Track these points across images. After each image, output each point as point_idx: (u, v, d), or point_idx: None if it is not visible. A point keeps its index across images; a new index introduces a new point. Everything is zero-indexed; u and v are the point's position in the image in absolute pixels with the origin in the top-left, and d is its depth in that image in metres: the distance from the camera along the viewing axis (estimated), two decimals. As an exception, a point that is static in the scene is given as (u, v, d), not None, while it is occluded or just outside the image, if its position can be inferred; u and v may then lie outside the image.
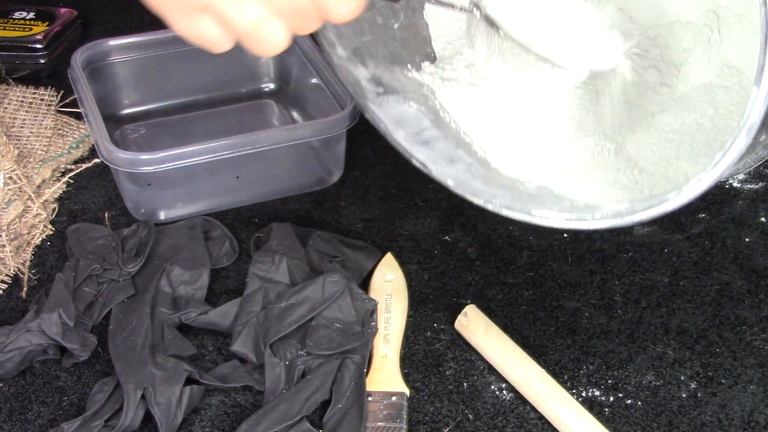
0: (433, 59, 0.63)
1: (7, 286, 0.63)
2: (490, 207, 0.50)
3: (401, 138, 0.54)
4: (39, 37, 0.86)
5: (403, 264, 0.65)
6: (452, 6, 0.56)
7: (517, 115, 0.60)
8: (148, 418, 0.53)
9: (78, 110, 0.75)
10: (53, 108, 0.78)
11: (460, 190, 0.52)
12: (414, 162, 0.53)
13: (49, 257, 0.66)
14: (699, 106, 0.57)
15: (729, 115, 0.55)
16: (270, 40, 0.43)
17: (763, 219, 0.71)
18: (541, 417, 0.54)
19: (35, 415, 0.54)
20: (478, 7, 0.53)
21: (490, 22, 0.53)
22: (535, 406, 0.55)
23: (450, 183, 0.52)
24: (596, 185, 0.57)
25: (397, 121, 0.55)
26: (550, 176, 0.58)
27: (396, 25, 0.62)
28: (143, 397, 0.53)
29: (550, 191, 0.56)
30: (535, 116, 0.60)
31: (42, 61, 0.86)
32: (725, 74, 0.56)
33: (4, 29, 0.87)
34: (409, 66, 0.62)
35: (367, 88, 0.57)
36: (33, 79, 0.84)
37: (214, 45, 0.43)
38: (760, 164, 0.65)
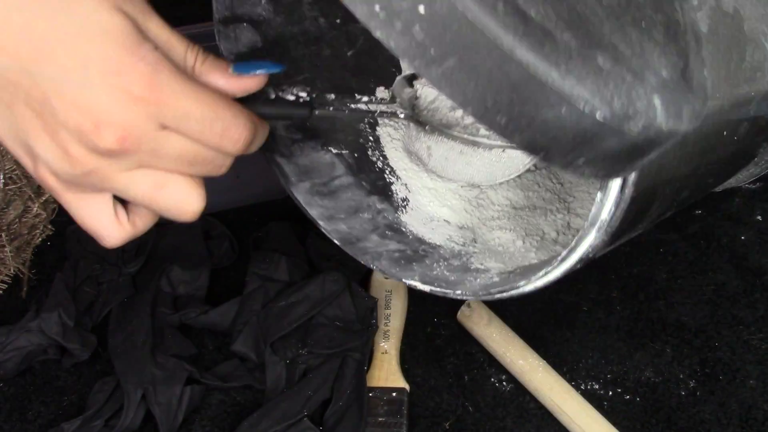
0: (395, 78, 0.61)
1: (7, 286, 0.63)
2: (372, 267, 0.52)
3: (303, 190, 0.54)
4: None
5: (402, 263, 0.65)
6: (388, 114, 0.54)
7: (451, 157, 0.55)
8: (149, 418, 0.53)
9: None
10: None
11: (347, 249, 0.53)
12: (308, 216, 0.54)
13: (49, 257, 0.66)
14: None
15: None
16: (176, 204, 0.37)
17: (759, 217, 0.71)
18: (541, 407, 0.55)
19: (35, 415, 0.54)
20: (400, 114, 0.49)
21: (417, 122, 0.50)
22: (536, 396, 0.55)
23: (336, 241, 0.53)
24: (500, 233, 0.57)
25: (305, 172, 0.55)
26: (463, 219, 0.59)
27: (350, 53, 0.58)
28: (143, 396, 0.53)
29: (448, 237, 0.56)
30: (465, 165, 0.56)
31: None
32: None
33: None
34: (356, 96, 0.59)
35: (281, 137, 0.55)
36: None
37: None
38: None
